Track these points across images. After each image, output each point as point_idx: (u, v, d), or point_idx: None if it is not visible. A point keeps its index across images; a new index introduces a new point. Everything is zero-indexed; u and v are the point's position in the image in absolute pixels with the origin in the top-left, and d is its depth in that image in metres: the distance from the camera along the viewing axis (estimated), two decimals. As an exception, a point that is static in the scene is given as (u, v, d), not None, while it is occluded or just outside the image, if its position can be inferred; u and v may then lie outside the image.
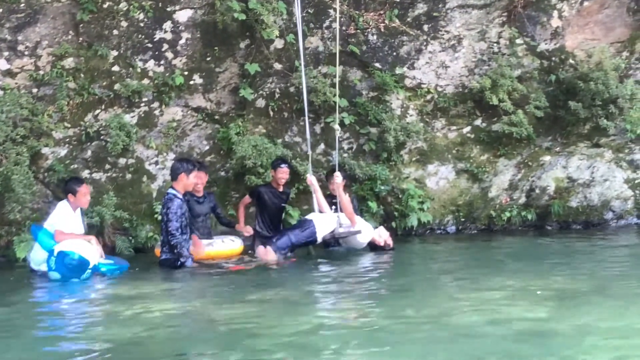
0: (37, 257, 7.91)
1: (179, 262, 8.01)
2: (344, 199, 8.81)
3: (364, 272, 7.75)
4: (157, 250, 8.70)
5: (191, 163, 8.51)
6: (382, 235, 9.06)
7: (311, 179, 9.11)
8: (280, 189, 9.67)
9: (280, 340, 4.44)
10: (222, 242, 9.02)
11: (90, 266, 7.46)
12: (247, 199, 9.79)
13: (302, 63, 9.41)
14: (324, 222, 8.78)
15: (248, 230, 9.40)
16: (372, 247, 9.02)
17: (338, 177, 8.92)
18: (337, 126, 9.45)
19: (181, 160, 8.66)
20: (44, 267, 7.72)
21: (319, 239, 8.81)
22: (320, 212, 8.96)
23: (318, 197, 9.03)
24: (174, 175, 8.25)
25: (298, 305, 5.78)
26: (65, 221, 7.89)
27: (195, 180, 8.48)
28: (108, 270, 7.82)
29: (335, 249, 9.32)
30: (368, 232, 8.98)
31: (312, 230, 8.75)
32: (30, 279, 7.75)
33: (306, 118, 9.42)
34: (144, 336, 4.70)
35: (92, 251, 7.59)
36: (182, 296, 6.65)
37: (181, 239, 7.97)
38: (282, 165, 9.63)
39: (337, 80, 9.51)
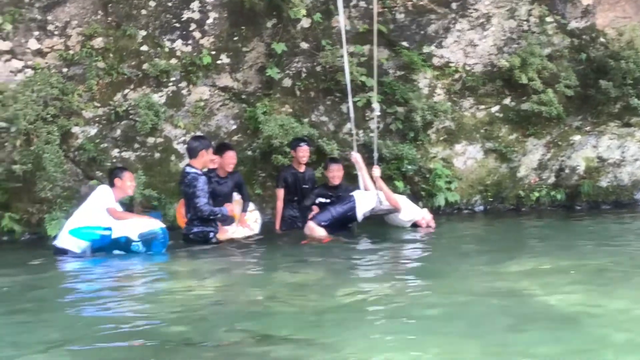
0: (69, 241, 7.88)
1: (212, 234, 8.09)
2: (385, 188, 8.88)
3: (396, 252, 7.67)
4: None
5: (207, 139, 8.58)
6: (426, 217, 9.10)
7: (356, 157, 9.11)
8: (302, 169, 9.62)
9: (308, 319, 4.44)
10: (242, 229, 9.06)
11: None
12: (280, 192, 9.56)
13: (345, 44, 9.37)
14: (365, 199, 8.81)
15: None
16: (414, 226, 9.09)
17: (376, 171, 8.96)
18: (375, 104, 9.43)
19: (198, 138, 8.67)
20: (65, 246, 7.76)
21: (359, 215, 8.81)
22: (365, 190, 8.97)
23: (363, 174, 9.05)
24: (194, 153, 8.21)
25: (328, 283, 5.78)
26: (112, 201, 7.80)
27: (213, 157, 8.53)
28: None
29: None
30: (411, 212, 9.01)
31: (352, 205, 8.77)
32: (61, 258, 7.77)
33: (349, 97, 9.38)
34: (182, 315, 4.73)
35: (152, 221, 7.77)
36: (217, 273, 6.63)
37: (209, 208, 8.04)
38: (302, 144, 9.59)
39: (374, 63, 9.49)
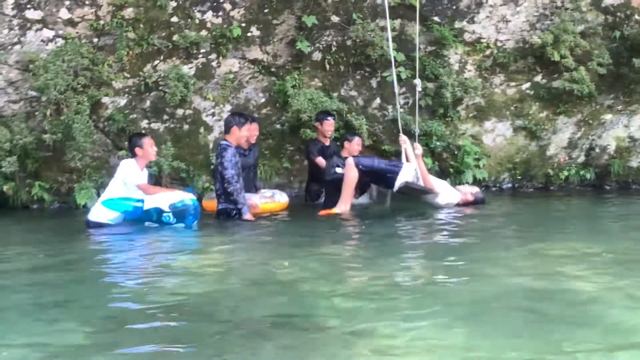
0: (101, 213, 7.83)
1: (235, 212, 8.08)
2: (423, 169, 8.66)
3: (422, 231, 7.60)
4: (205, 203, 8.79)
5: (243, 116, 8.52)
6: (468, 192, 8.93)
7: (404, 138, 8.88)
8: (327, 143, 9.63)
9: (329, 299, 4.43)
10: (269, 196, 9.02)
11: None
12: (320, 160, 9.45)
13: (388, 18, 9.28)
14: (408, 169, 8.60)
15: None
16: (464, 204, 8.83)
17: (418, 149, 8.68)
18: (417, 80, 9.32)
19: (234, 114, 8.67)
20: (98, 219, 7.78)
21: (397, 183, 8.47)
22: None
23: (408, 152, 8.80)
24: (227, 128, 8.30)
25: (350, 263, 5.77)
26: (139, 176, 7.71)
27: (247, 134, 8.50)
28: None
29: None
30: (449, 196, 8.78)
31: (396, 169, 8.51)
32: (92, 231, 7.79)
33: (394, 74, 9.25)
34: (207, 290, 4.73)
35: (183, 194, 7.73)
36: (241, 249, 6.65)
37: (237, 186, 8.02)
38: (329, 118, 9.61)
39: (416, 38, 9.34)
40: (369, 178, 8.77)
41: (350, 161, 8.58)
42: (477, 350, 3.38)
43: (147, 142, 7.91)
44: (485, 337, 3.56)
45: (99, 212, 7.70)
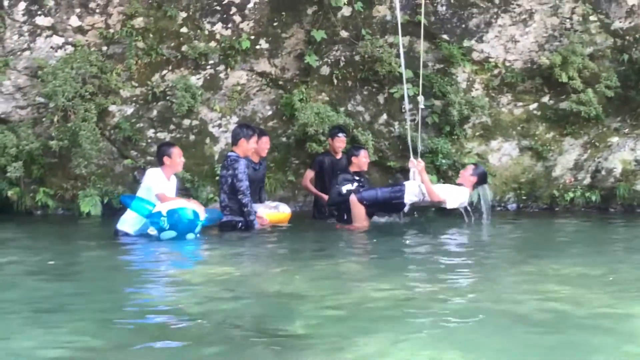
0: (128, 223, 7.81)
1: (244, 223, 8.07)
2: (427, 182, 8.67)
3: (427, 249, 7.52)
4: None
5: (251, 128, 8.51)
6: (468, 177, 8.93)
7: (414, 162, 8.85)
8: (338, 157, 9.66)
9: (329, 312, 4.43)
10: (273, 206, 8.98)
11: (201, 219, 7.45)
12: (310, 173, 9.70)
13: (400, 34, 9.33)
14: (414, 187, 8.63)
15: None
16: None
17: (420, 164, 8.72)
18: (420, 97, 9.32)
19: (241, 126, 8.68)
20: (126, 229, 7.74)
21: (407, 202, 8.60)
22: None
23: (417, 172, 8.85)
24: (234, 140, 8.33)
25: (355, 277, 5.77)
26: (163, 186, 7.67)
27: (255, 146, 8.49)
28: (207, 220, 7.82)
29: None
30: (456, 199, 8.75)
31: (400, 194, 8.57)
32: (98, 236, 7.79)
33: (405, 91, 9.31)
34: (205, 300, 4.74)
35: (197, 207, 7.57)
36: (246, 261, 6.65)
37: (250, 200, 8.06)
38: (340, 135, 9.62)
39: (421, 53, 9.37)
40: (375, 209, 8.75)
41: (353, 198, 8.57)
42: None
43: (176, 152, 7.89)
44: (481, 355, 3.55)
45: (124, 223, 7.70)
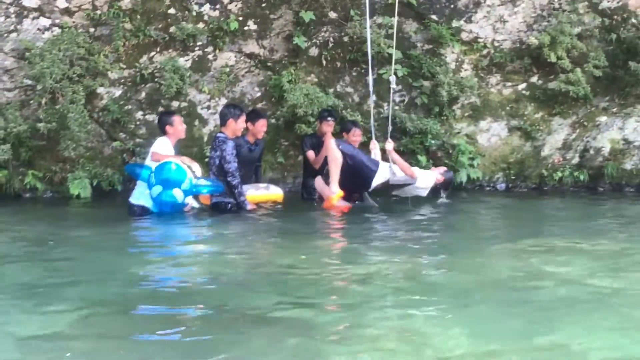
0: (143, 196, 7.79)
1: (230, 205, 8.06)
2: (399, 160, 8.70)
3: (412, 227, 7.58)
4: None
5: (239, 108, 8.51)
6: (440, 172, 9.03)
7: (374, 144, 8.98)
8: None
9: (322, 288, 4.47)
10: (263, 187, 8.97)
11: (188, 176, 7.44)
12: (311, 154, 9.41)
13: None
14: (384, 170, 8.67)
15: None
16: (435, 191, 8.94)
17: (390, 144, 8.75)
18: (392, 77, 9.29)
19: (229, 106, 8.68)
20: (142, 202, 7.74)
21: (374, 182, 8.58)
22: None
23: (376, 152, 8.91)
24: (223, 120, 8.32)
25: (340, 256, 5.81)
26: (165, 149, 7.73)
27: (243, 125, 8.46)
28: (209, 191, 7.83)
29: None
30: (426, 179, 8.84)
31: (375, 168, 8.56)
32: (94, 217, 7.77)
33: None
34: (198, 282, 4.76)
35: (190, 163, 7.64)
36: (235, 241, 6.67)
37: (239, 182, 8.05)
38: (329, 119, 9.54)
39: (394, 32, 9.33)
40: (349, 167, 8.51)
41: (333, 142, 8.45)
42: (462, 339, 3.41)
43: (177, 119, 8.06)
44: (471, 327, 3.59)
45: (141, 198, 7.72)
